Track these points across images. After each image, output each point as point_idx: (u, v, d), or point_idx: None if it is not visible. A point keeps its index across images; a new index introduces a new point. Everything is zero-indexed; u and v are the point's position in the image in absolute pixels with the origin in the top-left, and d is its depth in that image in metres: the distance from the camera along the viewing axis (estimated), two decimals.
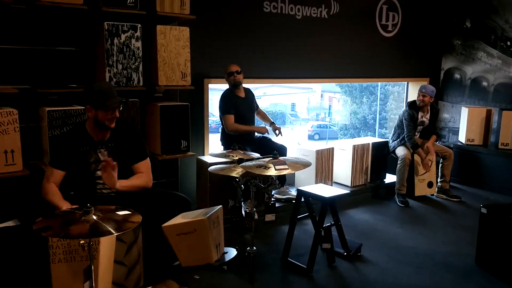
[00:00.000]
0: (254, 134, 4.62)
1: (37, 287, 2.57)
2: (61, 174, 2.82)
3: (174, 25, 3.71)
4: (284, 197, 4.68)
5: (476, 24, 6.28)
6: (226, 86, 4.49)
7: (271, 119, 4.76)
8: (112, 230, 1.93)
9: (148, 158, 3.06)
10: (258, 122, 4.80)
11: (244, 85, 4.52)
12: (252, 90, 4.70)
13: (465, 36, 6.40)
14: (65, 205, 2.66)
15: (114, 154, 2.89)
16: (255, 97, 4.72)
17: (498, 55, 6.07)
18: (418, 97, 5.20)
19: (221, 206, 2.80)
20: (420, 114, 5.27)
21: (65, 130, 3.18)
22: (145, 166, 3.00)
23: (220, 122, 4.54)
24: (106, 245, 2.35)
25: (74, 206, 2.56)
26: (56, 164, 2.82)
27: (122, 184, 2.79)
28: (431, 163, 5.29)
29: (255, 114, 4.71)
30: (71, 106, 3.29)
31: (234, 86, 4.38)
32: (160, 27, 3.57)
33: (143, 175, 2.97)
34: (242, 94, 4.47)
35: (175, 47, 3.64)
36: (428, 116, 5.33)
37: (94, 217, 2.00)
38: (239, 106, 4.39)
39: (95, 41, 3.51)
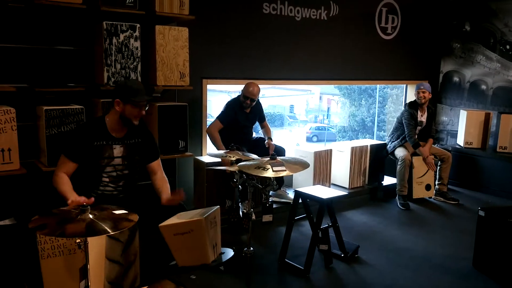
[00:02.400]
0: (252, 135, 4.62)
1: (33, 285, 2.56)
2: (74, 165, 2.81)
3: (173, 25, 3.70)
4: (281, 200, 4.66)
5: (475, 27, 6.29)
6: (224, 87, 4.48)
7: (271, 136, 4.65)
8: (108, 229, 1.92)
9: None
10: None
11: None
12: (260, 102, 4.64)
13: (464, 39, 6.41)
14: (72, 196, 2.62)
15: (129, 152, 2.94)
16: (262, 109, 4.67)
17: (497, 58, 6.08)
18: (418, 94, 5.21)
19: (218, 206, 2.80)
20: (419, 113, 5.28)
21: (83, 122, 3.22)
22: (159, 166, 3.10)
23: None
24: (95, 243, 2.34)
25: (80, 198, 2.54)
26: (70, 155, 2.80)
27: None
28: (428, 168, 5.29)
29: (261, 126, 4.69)
30: (69, 105, 3.28)
31: (242, 107, 4.37)
32: (159, 27, 3.56)
33: (163, 178, 3.07)
34: (248, 110, 4.45)
35: (173, 47, 3.64)
36: (425, 116, 5.34)
37: (91, 216, 1.99)
38: (239, 118, 4.37)
39: (93, 40, 3.50)
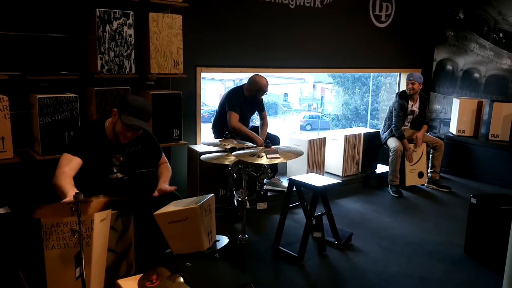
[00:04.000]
0: (248, 125, 4.62)
1: (29, 273, 2.57)
2: (79, 162, 2.67)
3: (166, 13, 3.67)
4: (276, 188, 4.68)
5: (469, 15, 6.29)
6: (218, 75, 4.47)
7: (265, 136, 4.52)
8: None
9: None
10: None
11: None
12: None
13: (458, 27, 6.41)
14: (72, 190, 2.43)
15: (128, 160, 2.90)
16: (262, 99, 4.63)
17: (490, 46, 6.10)
18: (407, 85, 5.23)
19: (213, 194, 2.81)
20: (410, 103, 5.30)
21: (83, 126, 3.12)
22: (164, 160, 3.12)
23: (214, 112, 4.51)
24: (100, 232, 2.35)
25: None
26: (74, 150, 2.67)
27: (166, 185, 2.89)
28: (421, 156, 5.33)
29: (260, 116, 4.66)
30: (62, 93, 3.26)
31: (251, 96, 4.38)
32: (152, 15, 3.53)
33: (166, 167, 3.08)
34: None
35: (167, 35, 3.62)
36: (417, 105, 5.37)
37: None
38: (243, 108, 4.38)
39: (86, 28, 3.47)
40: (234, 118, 4.26)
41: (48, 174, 3.20)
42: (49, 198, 2.49)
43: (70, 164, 2.64)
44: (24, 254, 2.68)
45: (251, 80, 4.38)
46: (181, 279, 2.02)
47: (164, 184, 2.86)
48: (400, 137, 5.19)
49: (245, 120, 4.50)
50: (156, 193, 2.78)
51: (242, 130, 4.26)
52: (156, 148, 3.07)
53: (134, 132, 2.74)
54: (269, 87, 4.46)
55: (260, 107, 4.61)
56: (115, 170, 2.86)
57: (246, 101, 4.40)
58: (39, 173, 3.34)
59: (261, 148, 2.87)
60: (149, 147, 3.01)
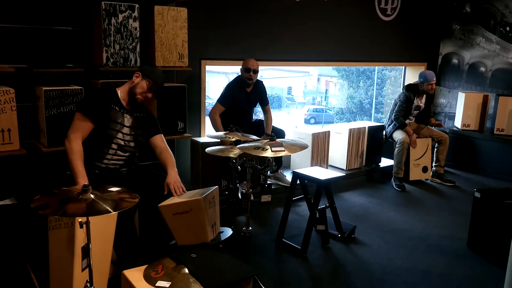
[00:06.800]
0: (252, 117, 4.62)
1: (35, 264, 2.60)
2: (89, 126, 2.80)
3: (172, 6, 3.68)
4: (279, 183, 4.68)
5: (475, 8, 6.25)
6: (222, 68, 4.47)
7: (270, 130, 4.48)
8: (109, 209, 1.94)
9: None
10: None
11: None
12: (263, 84, 4.59)
13: (464, 21, 6.38)
14: (81, 179, 2.60)
15: (136, 123, 3.00)
16: (265, 91, 4.60)
17: (497, 40, 6.06)
18: (428, 86, 5.16)
19: (217, 186, 2.83)
20: (417, 98, 5.28)
21: (96, 88, 3.32)
22: (163, 140, 3.12)
23: None
24: (108, 227, 2.38)
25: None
26: (87, 111, 2.80)
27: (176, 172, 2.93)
28: (426, 150, 5.32)
29: (263, 110, 4.65)
30: (68, 86, 3.28)
31: (245, 83, 4.35)
32: (157, 8, 3.54)
33: (167, 150, 3.07)
34: (249, 89, 4.42)
35: (172, 27, 3.62)
36: (423, 100, 5.35)
37: (92, 196, 2.01)
38: (239, 100, 4.37)
39: (92, 20, 3.48)
40: (215, 109, 4.32)
41: (53, 166, 3.23)
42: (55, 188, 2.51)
43: (82, 128, 2.77)
44: (30, 245, 2.71)
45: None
46: (186, 270, 2.04)
47: (175, 182, 2.84)
48: (401, 126, 5.18)
49: (245, 113, 4.49)
50: (166, 191, 2.81)
51: (216, 123, 4.28)
52: (156, 122, 3.16)
53: (153, 94, 3.01)
54: (270, 80, 4.45)
55: (263, 100, 4.58)
56: (124, 131, 2.92)
57: (241, 92, 4.37)
58: (44, 165, 3.37)
59: (266, 141, 2.88)
60: (151, 118, 3.12)
